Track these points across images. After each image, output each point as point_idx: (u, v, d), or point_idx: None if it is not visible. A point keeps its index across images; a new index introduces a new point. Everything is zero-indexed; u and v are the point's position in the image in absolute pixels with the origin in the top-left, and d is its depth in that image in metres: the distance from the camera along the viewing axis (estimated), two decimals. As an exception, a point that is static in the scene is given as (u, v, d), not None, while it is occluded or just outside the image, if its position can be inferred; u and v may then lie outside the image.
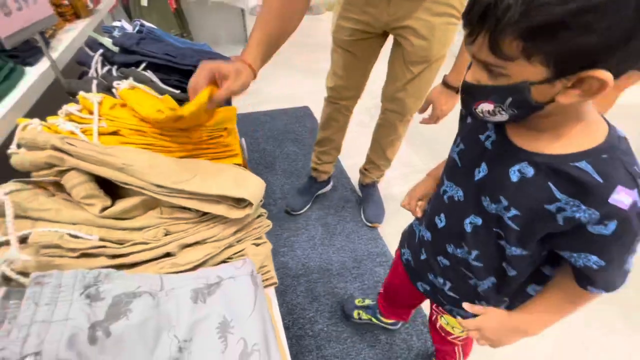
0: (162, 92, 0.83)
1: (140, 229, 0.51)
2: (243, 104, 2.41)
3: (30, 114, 0.80)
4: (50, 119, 0.67)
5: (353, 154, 1.90)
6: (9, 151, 0.62)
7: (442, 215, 0.63)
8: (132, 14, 2.83)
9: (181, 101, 0.83)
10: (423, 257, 0.73)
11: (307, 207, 1.73)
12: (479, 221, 0.56)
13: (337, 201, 1.79)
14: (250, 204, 0.53)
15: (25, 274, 0.43)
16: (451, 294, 0.70)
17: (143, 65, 0.97)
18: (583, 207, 0.41)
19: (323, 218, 1.69)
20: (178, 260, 0.51)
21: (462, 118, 0.63)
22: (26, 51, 0.89)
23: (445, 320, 0.84)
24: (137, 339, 0.36)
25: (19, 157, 0.48)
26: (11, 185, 0.48)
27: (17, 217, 0.46)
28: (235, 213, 0.52)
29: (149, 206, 0.54)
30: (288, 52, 3.40)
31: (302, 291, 1.38)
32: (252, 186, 0.58)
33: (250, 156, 1.98)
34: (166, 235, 0.52)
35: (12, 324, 0.35)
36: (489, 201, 0.52)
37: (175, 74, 1.02)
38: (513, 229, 0.50)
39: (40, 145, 0.49)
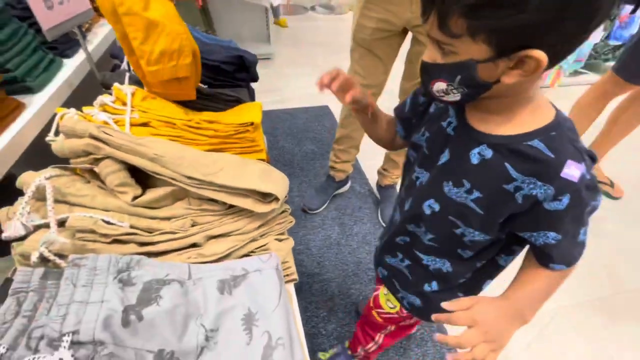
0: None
1: (168, 218, 0.53)
2: (264, 102, 2.44)
3: (66, 104, 0.84)
4: (86, 109, 0.69)
5: (372, 155, 1.88)
6: (47, 139, 0.65)
7: (410, 198, 0.65)
8: (160, 11, 2.91)
9: (208, 96, 0.85)
10: (386, 238, 0.76)
11: (324, 206, 1.73)
12: (436, 207, 0.57)
13: (354, 201, 1.78)
14: (276, 198, 0.54)
15: (61, 255, 0.45)
16: (406, 272, 0.72)
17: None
18: (539, 183, 0.44)
19: (339, 218, 1.69)
20: (204, 251, 0.52)
21: (425, 106, 0.65)
22: (64, 43, 0.93)
23: (385, 291, 0.82)
24: (166, 325, 0.37)
25: (59, 143, 0.50)
26: (51, 170, 0.50)
27: (56, 201, 0.48)
28: (262, 207, 0.53)
29: (178, 197, 0.55)
30: (311, 52, 3.43)
31: (317, 290, 1.38)
32: (278, 181, 0.58)
33: (269, 153, 2.00)
34: (193, 226, 0.53)
35: (50, 302, 0.36)
36: (452, 185, 0.53)
37: (202, 69, 1.04)
38: (477, 213, 0.52)
39: (79, 133, 0.51)
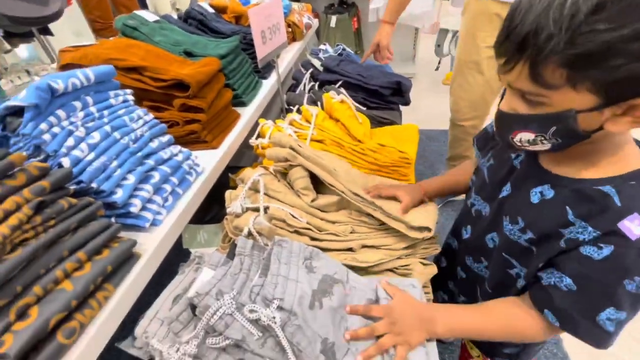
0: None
1: (333, 222, 0.63)
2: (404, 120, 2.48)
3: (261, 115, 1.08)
4: (278, 122, 0.89)
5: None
6: (251, 141, 0.86)
7: (469, 226, 0.64)
8: (320, 33, 3.33)
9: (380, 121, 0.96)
10: (443, 264, 0.74)
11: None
12: (497, 240, 0.55)
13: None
14: (428, 229, 0.57)
15: (259, 233, 0.60)
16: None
17: (339, 83, 1.15)
18: (589, 228, 0.40)
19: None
20: (357, 256, 0.60)
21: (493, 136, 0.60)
22: (265, 68, 1.19)
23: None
24: (331, 318, 0.45)
25: (272, 151, 0.66)
26: (261, 169, 0.67)
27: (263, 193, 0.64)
28: (414, 233, 0.57)
29: (342, 206, 0.65)
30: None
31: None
32: (430, 212, 0.62)
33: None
34: (351, 232, 0.62)
35: (258, 266, 0.50)
36: (509, 221, 0.51)
37: (361, 92, 1.16)
38: (529, 250, 0.48)
39: (283, 144, 0.66)
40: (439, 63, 3.07)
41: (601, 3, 0.30)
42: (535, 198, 0.47)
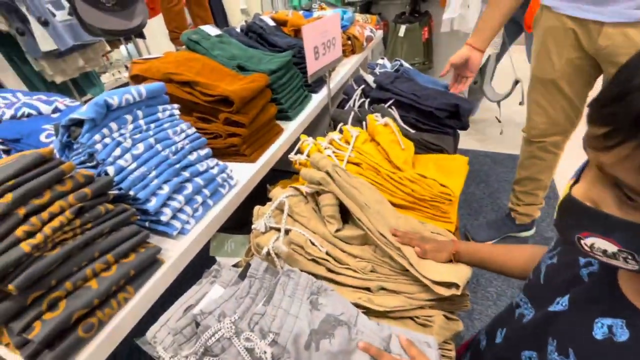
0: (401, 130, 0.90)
1: (355, 256, 0.60)
2: (465, 138, 2.30)
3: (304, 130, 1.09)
4: (319, 139, 0.89)
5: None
6: (290, 156, 0.87)
7: (505, 329, 0.50)
8: (387, 42, 3.26)
9: (428, 146, 0.90)
10: None
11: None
12: None
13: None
14: (456, 285, 0.51)
15: (277, 255, 0.60)
16: None
17: (390, 102, 1.11)
18: None
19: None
20: (374, 298, 0.56)
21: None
22: (316, 82, 1.20)
23: None
24: None
25: (307, 172, 0.65)
26: (290, 190, 0.67)
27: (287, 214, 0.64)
28: (440, 289, 0.52)
29: (367, 241, 0.62)
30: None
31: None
32: (462, 269, 0.56)
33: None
34: (372, 271, 0.58)
35: (266, 292, 0.49)
36: (555, 347, 0.38)
37: (413, 112, 1.10)
38: None
39: (320, 167, 0.65)
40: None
41: None
42: (599, 333, 0.35)
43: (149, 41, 2.43)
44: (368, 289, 0.57)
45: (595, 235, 0.30)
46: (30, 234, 0.41)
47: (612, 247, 0.30)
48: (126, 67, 2.99)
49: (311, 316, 0.45)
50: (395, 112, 1.07)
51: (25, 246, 0.40)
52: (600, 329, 0.35)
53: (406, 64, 1.32)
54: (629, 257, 0.29)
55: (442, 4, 2.70)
